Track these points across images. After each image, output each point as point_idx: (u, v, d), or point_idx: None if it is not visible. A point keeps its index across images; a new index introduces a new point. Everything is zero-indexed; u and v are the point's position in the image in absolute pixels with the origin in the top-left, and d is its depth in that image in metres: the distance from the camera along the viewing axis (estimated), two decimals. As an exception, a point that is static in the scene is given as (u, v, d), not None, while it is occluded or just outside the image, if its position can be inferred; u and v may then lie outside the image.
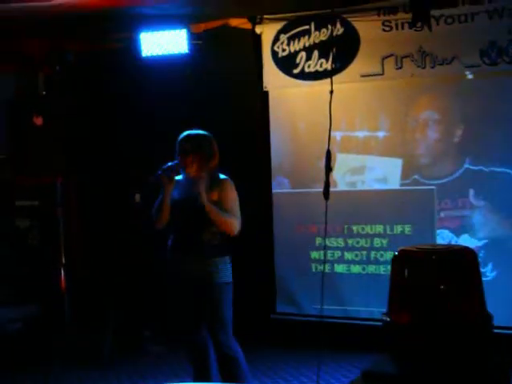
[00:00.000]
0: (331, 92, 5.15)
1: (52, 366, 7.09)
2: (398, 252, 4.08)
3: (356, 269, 7.46)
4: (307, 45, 7.46)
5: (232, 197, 5.36)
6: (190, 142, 5.36)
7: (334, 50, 7.27)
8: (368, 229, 7.39)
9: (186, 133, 5.43)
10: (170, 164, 5.35)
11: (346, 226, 7.44)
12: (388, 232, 7.31)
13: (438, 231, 7.11)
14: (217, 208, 5.22)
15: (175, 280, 5.43)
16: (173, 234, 5.42)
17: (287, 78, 7.59)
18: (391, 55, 7.14)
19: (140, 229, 7.12)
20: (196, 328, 5.43)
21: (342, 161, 7.44)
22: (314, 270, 7.60)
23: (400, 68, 7.12)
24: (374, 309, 7.03)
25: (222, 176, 5.41)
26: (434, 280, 3.88)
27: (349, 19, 7.21)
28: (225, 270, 5.30)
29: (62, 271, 7.67)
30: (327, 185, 5.03)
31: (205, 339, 5.42)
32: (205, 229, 5.26)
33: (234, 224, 5.31)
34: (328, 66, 7.30)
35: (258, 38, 7.68)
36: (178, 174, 5.42)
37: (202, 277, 5.26)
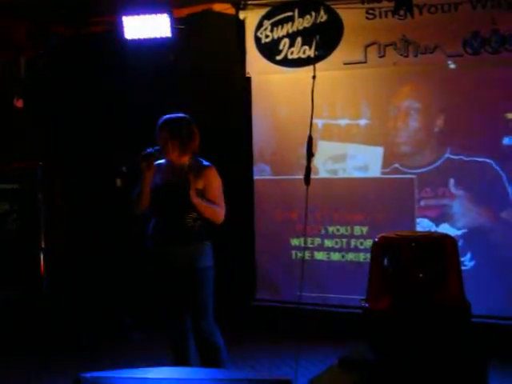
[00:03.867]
0: (314, 77, 5.15)
1: (32, 350, 7.08)
2: (378, 238, 4.10)
3: (336, 256, 7.48)
4: (290, 31, 7.44)
5: (217, 185, 5.35)
6: (167, 126, 5.32)
7: (318, 37, 7.25)
8: (348, 216, 7.41)
9: (163, 118, 5.39)
10: (149, 150, 5.32)
11: (326, 214, 7.45)
12: (368, 220, 7.33)
13: (418, 220, 7.14)
14: (204, 201, 5.22)
15: (157, 265, 5.41)
16: (154, 219, 5.40)
17: (270, 64, 7.57)
18: (374, 43, 7.14)
19: (121, 213, 7.10)
20: (177, 313, 5.41)
21: (323, 148, 7.44)
22: (293, 257, 7.61)
23: (383, 56, 7.12)
24: (353, 296, 7.01)
25: (205, 163, 5.38)
26: (413, 267, 3.91)
27: (333, 6, 7.20)
28: (205, 255, 5.30)
29: (42, 255, 7.64)
30: (308, 170, 5.04)
31: (185, 325, 5.41)
32: (187, 214, 5.25)
33: (221, 213, 5.33)
34: (311, 53, 7.29)
35: (241, 24, 7.65)
36: (159, 159, 5.39)
37: (183, 262, 5.25)
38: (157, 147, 5.33)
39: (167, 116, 5.39)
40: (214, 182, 5.33)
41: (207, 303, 5.31)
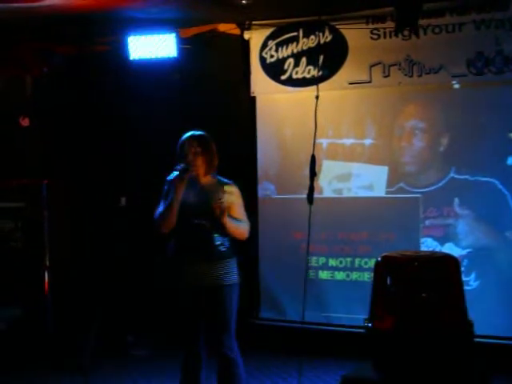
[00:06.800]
0: (317, 97, 5.18)
1: (34, 368, 7.07)
2: (381, 258, 4.10)
3: (340, 275, 7.47)
4: (295, 51, 7.48)
5: (240, 203, 5.30)
6: (198, 141, 5.23)
7: (322, 57, 7.28)
8: (353, 236, 7.40)
9: (192, 133, 5.28)
10: (180, 166, 5.12)
11: (330, 233, 7.45)
12: (373, 239, 7.32)
13: (423, 239, 7.13)
14: (232, 220, 5.18)
15: (181, 283, 5.30)
16: (179, 237, 5.26)
17: (275, 84, 7.60)
18: (379, 63, 7.16)
19: (125, 231, 7.10)
20: (194, 332, 5.32)
21: (328, 168, 7.46)
22: (298, 276, 7.59)
23: (387, 76, 7.14)
24: (357, 316, 7.00)
25: (227, 181, 5.31)
26: (416, 286, 3.90)
27: (337, 27, 7.25)
28: (233, 272, 5.24)
29: (46, 274, 7.64)
30: (311, 189, 5.06)
31: (201, 346, 5.31)
32: (214, 232, 5.16)
33: (246, 230, 5.30)
34: (316, 72, 7.31)
35: (246, 44, 7.69)
36: (191, 175, 5.27)
37: (211, 279, 5.16)
38: (183, 164, 5.16)
39: (194, 132, 5.30)
40: (238, 200, 5.28)
41: (232, 319, 5.22)
